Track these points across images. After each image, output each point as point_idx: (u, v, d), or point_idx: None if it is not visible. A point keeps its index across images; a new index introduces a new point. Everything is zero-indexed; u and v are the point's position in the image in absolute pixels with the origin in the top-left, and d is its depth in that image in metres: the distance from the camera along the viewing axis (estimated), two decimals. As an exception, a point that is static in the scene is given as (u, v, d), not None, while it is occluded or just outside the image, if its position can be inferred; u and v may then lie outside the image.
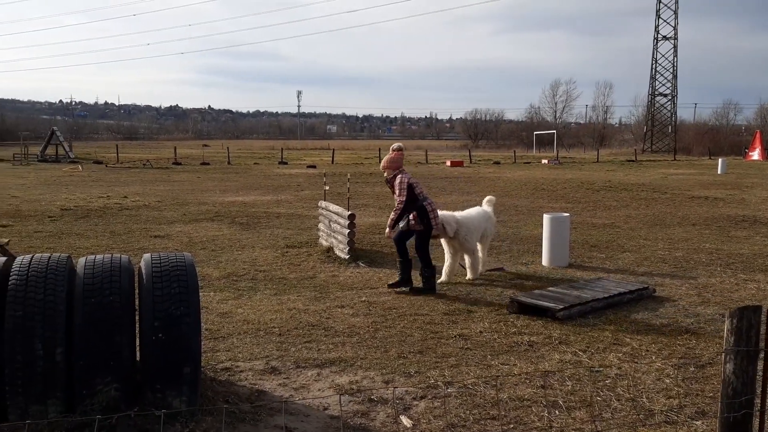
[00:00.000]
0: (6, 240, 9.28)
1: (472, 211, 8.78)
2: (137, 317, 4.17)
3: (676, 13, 65.36)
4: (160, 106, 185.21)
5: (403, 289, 7.77)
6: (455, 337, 6.08)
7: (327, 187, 11.68)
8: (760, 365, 3.25)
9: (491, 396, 4.65)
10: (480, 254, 8.73)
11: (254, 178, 27.67)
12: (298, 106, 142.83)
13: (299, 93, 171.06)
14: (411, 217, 7.64)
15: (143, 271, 4.19)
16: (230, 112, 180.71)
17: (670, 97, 68.13)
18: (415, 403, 4.56)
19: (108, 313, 3.90)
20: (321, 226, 11.03)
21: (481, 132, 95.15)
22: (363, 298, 7.44)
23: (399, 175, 7.70)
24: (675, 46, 65.96)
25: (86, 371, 3.86)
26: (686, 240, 11.75)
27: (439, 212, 8.15)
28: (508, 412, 4.39)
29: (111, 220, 13.97)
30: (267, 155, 50.37)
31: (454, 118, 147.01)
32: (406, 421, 4.25)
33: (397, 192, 7.65)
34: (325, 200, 11.16)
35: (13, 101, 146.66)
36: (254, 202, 17.89)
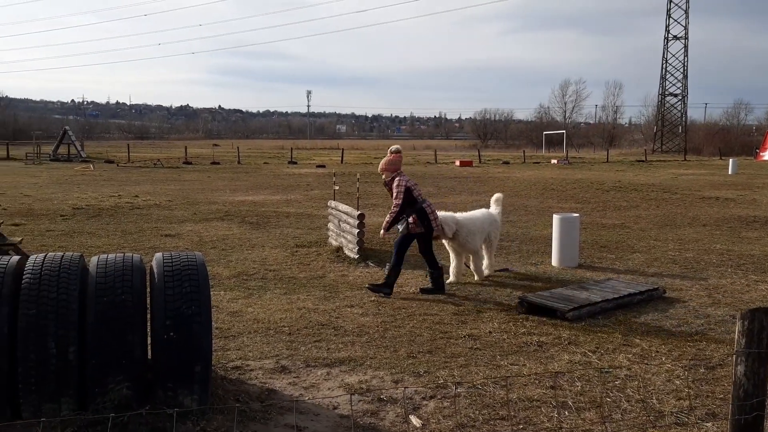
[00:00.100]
0: (19, 239, 9.35)
1: (475, 213, 8.73)
2: (149, 316, 4.20)
3: (686, 12, 65.08)
4: (171, 106, 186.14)
5: (381, 294, 7.53)
6: (464, 337, 6.08)
7: (337, 187, 11.70)
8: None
9: (500, 396, 4.65)
10: (485, 256, 8.71)
11: (264, 177, 27.75)
12: (308, 106, 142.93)
13: (309, 93, 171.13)
14: (411, 220, 7.57)
15: (155, 270, 4.22)
16: (240, 111, 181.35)
17: (680, 97, 67.85)
18: (425, 402, 4.57)
19: (120, 312, 3.94)
20: (330, 225, 11.06)
21: (491, 132, 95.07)
22: (372, 298, 7.46)
23: (397, 178, 7.63)
24: (685, 46, 65.68)
25: (98, 370, 3.89)
26: (697, 241, 11.70)
27: (439, 213, 8.13)
28: (517, 412, 4.39)
29: (122, 219, 14.06)
30: (277, 155, 50.50)
31: (463, 118, 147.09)
32: (415, 420, 4.26)
33: (394, 194, 7.60)
34: (334, 200, 11.19)
35: (26, 101, 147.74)
36: (264, 202, 17.95)
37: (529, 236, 12.09)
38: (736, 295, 7.74)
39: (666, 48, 66.26)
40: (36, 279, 3.93)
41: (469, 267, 8.68)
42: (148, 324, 4.19)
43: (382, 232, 7.88)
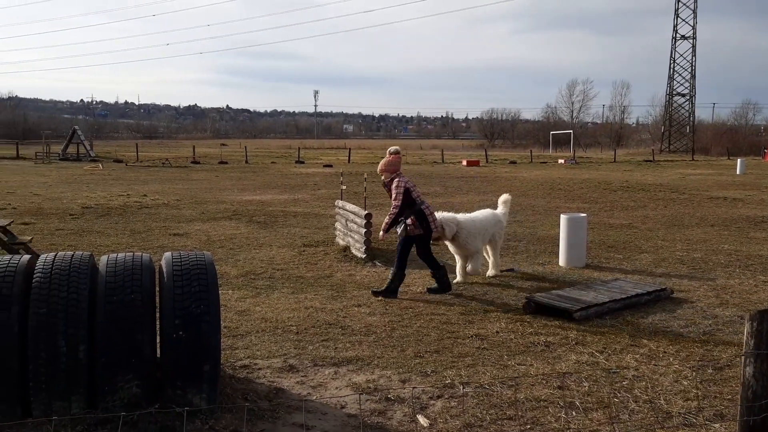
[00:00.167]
0: (29, 238, 9.42)
1: (477, 214, 8.67)
2: (158, 315, 4.23)
3: (694, 12, 64.77)
4: (179, 106, 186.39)
5: (384, 299, 7.48)
6: (472, 336, 6.09)
7: (344, 187, 11.72)
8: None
9: (508, 396, 4.66)
10: (491, 255, 8.70)
11: (271, 177, 27.81)
12: (315, 106, 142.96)
13: (316, 93, 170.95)
14: (410, 221, 7.55)
15: (164, 269, 4.25)
16: (248, 111, 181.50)
17: (688, 97, 67.50)
18: (432, 402, 4.59)
19: (130, 311, 3.97)
20: (338, 225, 11.08)
21: (498, 131, 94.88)
22: (379, 298, 7.47)
23: (396, 179, 7.60)
24: (693, 46, 65.38)
25: (108, 368, 3.93)
26: (704, 241, 11.67)
27: (441, 214, 8.11)
28: (524, 412, 4.40)
29: (131, 218, 14.12)
30: (284, 154, 50.58)
31: (470, 117, 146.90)
32: (423, 420, 4.27)
33: (393, 195, 7.57)
34: (341, 199, 11.21)
35: (36, 100, 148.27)
36: (271, 201, 17.99)
37: (536, 236, 12.08)
38: (744, 296, 7.71)
39: (674, 48, 66.01)
40: (46, 278, 3.97)
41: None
42: (157, 323, 4.22)
43: (381, 233, 7.81)
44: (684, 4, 64.87)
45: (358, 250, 9.69)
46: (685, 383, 4.94)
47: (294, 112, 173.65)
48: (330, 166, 35.82)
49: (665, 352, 5.72)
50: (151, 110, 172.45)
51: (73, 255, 4.18)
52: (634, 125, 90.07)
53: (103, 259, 4.26)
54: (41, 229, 12.38)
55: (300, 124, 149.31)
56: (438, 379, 5.04)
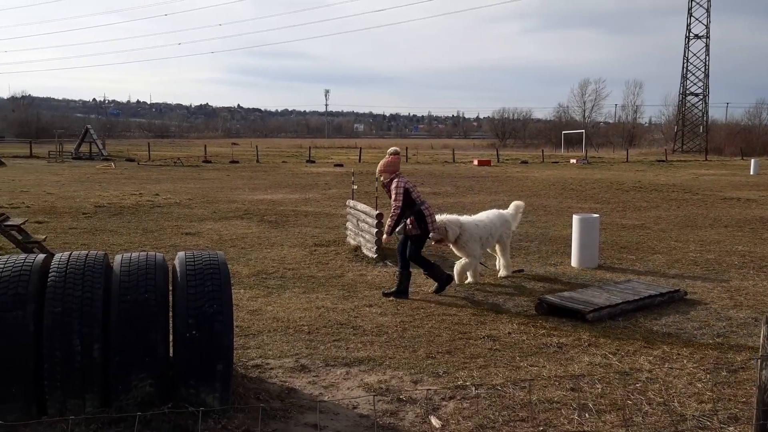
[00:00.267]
0: (43, 236, 9.49)
1: (481, 216, 8.54)
2: (171, 314, 4.25)
3: (708, 11, 64.30)
4: (191, 105, 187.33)
5: (396, 299, 7.45)
6: (484, 337, 6.08)
7: (355, 186, 11.73)
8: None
9: (520, 398, 4.64)
10: (503, 258, 8.66)
11: (282, 176, 27.87)
12: (326, 105, 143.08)
13: (327, 92, 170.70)
14: (408, 221, 7.53)
15: (177, 269, 4.27)
16: (259, 110, 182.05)
17: (701, 97, 67.04)
18: (444, 403, 4.58)
19: (143, 310, 3.99)
20: (349, 225, 11.09)
21: (509, 131, 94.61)
22: (391, 298, 7.47)
23: (396, 180, 7.58)
24: (707, 45, 64.90)
25: (122, 367, 3.95)
26: (718, 242, 11.58)
27: (444, 216, 8.07)
28: (537, 414, 4.38)
29: (143, 217, 14.20)
30: (295, 154, 50.68)
31: (481, 117, 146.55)
32: (435, 421, 4.27)
33: (393, 196, 7.54)
34: (353, 199, 11.22)
35: (49, 100, 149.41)
36: (282, 201, 18.03)
37: (548, 236, 12.04)
38: (759, 298, 7.65)
39: (687, 47, 65.55)
40: (61, 277, 3.99)
41: (485, 266, 8.67)
42: (171, 322, 4.23)
43: (385, 236, 7.76)
44: (697, 3, 64.44)
45: (369, 250, 9.69)
46: (699, 386, 4.91)
47: (305, 111, 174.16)
48: (341, 165, 35.86)
49: (679, 354, 5.68)
50: (162, 109, 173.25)
51: (87, 254, 4.21)
52: (646, 125, 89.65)
53: (117, 258, 4.28)
54: (54, 227, 12.47)
55: (311, 123, 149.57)
56: (450, 380, 5.03)
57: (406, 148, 47.07)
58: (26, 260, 4.09)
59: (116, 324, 3.95)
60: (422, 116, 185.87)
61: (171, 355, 4.21)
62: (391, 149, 7.89)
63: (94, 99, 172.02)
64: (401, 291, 7.53)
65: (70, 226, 12.80)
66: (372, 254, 9.57)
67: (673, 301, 7.37)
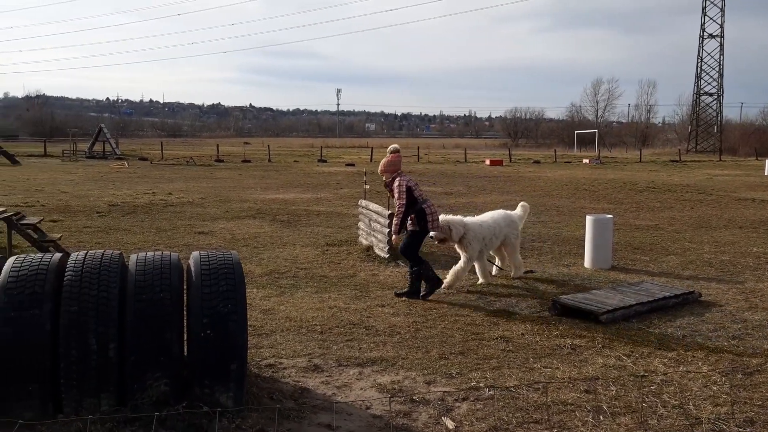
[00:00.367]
0: (58, 235, 9.56)
1: (484, 216, 8.47)
2: (185, 314, 4.27)
3: (722, 10, 63.78)
4: (203, 104, 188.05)
5: (408, 299, 7.42)
6: (497, 338, 6.06)
7: (367, 186, 11.73)
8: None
9: (534, 399, 4.63)
10: (512, 260, 8.63)
11: (294, 175, 27.93)
12: (338, 104, 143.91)
13: (338, 91, 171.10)
14: (409, 219, 7.52)
15: (192, 268, 4.29)
16: (271, 110, 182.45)
17: (715, 96, 66.52)
18: (457, 404, 4.57)
19: (159, 310, 4.01)
20: (361, 224, 11.09)
21: (521, 131, 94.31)
22: (403, 298, 7.46)
23: (397, 178, 7.55)
24: (721, 44, 64.37)
25: (137, 366, 3.97)
26: (733, 243, 11.49)
27: (448, 216, 8.03)
28: (551, 416, 4.37)
29: (156, 216, 14.27)
30: (306, 153, 50.77)
31: (493, 116, 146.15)
32: (448, 422, 4.26)
33: (396, 195, 7.50)
34: (365, 199, 11.22)
35: (63, 99, 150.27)
36: (294, 200, 18.07)
37: (561, 237, 11.99)
38: (775, 300, 7.58)
39: (701, 46, 65.06)
40: (78, 276, 4.02)
41: (495, 265, 8.64)
42: (185, 322, 4.25)
43: (394, 237, 7.70)
44: (712, 2, 63.95)
45: (382, 250, 9.69)
46: (715, 388, 4.87)
47: (316, 110, 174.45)
48: (352, 165, 35.88)
49: (694, 356, 5.64)
50: (175, 109, 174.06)
51: (103, 254, 4.24)
52: (660, 125, 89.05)
53: (133, 257, 4.30)
54: (69, 226, 12.56)
55: (322, 122, 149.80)
56: (463, 381, 5.02)
57: (418, 148, 47.05)
58: (43, 259, 4.12)
59: (132, 323, 3.98)
60: (434, 116, 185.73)
61: (185, 354, 4.24)
62: (391, 147, 7.85)
63: (107, 98, 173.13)
64: (413, 291, 7.52)
65: (85, 224, 12.89)
66: (384, 254, 9.57)
67: (688, 303, 7.32)
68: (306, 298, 7.45)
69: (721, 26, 64.11)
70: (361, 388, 4.89)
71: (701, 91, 66.73)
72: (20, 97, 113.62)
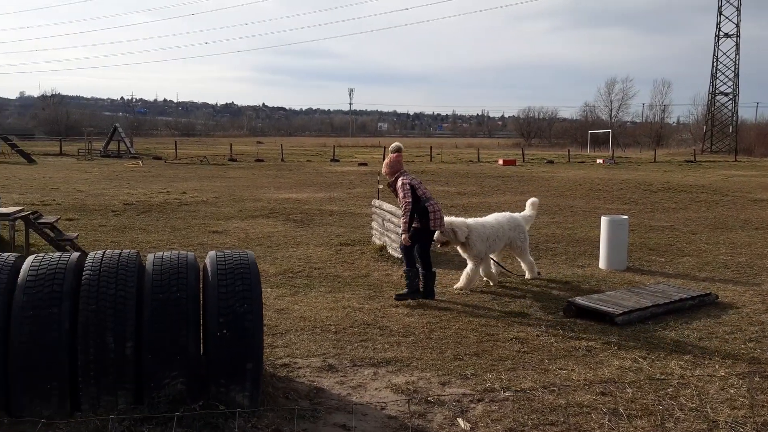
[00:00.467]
0: (75, 234, 9.64)
1: (488, 219, 8.40)
2: (202, 313, 4.29)
3: (738, 9, 63.22)
4: (216, 104, 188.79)
5: (410, 300, 7.38)
6: (511, 340, 6.04)
7: (381, 186, 11.73)
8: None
9: (549, 401, 4.61)
10: (523, 262, 8.59)
11: (307, 175, 27.98)
12: (350, 104, 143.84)
13: (351, 91, 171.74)
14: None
15: (208, 268, 4.31)
16: (284, 109, 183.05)
17: (731, 96, 65.95)
18: (472, 406, 4.56)
19: (175, 309, 4.03)
20: (374, 224, 11.10)
21: (534, 130, 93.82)
22: (417, 298, 7.45)
23: (400, 178, 7.52)
24: (737, 44, 63.80)
25: (154, 365, 3.99)
26: (749, 245, 11.39)
27: (452, 218, 8.00)
28: (567, 418, 4.35)
29: (171, 215, 14.35)
30: (319, 152, 50.84)
31: (506, 116, 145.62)
32: (463, 424, 4.25)
33: (401, 195, 7.45)
34: (378, 199, 11.22)
35: (78, 98, 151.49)
36: (307, 200, 18.11)
37: (575, 238, 11.94)
38: (793, 302, 7.51)
39: (717, 46, 64.51)
40: (95, 276, 4.05)
41: (501, 267, 8.61)
42: (201, 321, 4.27)
43: (404, 236, 7.55)
44: (728, 2, 63.41)
45: (395, 250, 9.68)
46: (732, 391, 4.83)
47: (329, 110, 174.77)
48: (365, 164, 35.89)
49: (710, 359, 5.60)
50: (189, 108, 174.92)
51: (120, 253, 4.27)
52: (674, 125, 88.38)
53: (150, 257, 4.33)
54: (85, 225, 12.66)
55: (335, 122, 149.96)
56: (478, 382, 5.01)
57: (431, 148, 47.02)
58: (61, 259, 4.16)
59: (149, 322, 4.00)
60: (446, 115, 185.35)
61: (202, 353, 4.26)
62: (393, 146, 7.82)
63: (122, 97, 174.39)
64: (428, 291, 7.50)
65: (100, 223, 12.98)
66: (397, 254, 9.56)
67: (704, 305, 7.26)
68: (320, 298, 7.46)
69: (737, 26, 63.57)
70: (376, 389, 4.89)
71: (716, 91, 66.19)
72: (36, 96, 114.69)
